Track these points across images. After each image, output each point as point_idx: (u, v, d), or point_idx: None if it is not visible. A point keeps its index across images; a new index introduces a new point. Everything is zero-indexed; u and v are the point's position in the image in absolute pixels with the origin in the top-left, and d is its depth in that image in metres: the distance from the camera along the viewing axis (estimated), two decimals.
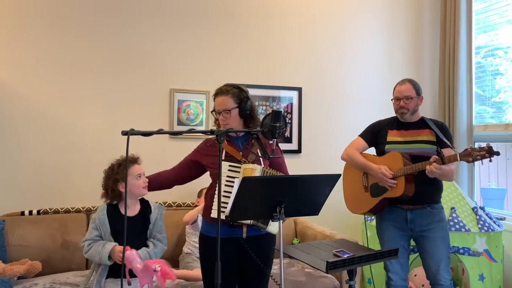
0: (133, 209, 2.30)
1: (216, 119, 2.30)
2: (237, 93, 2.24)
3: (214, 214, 2.11)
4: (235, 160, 2.18)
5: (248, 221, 2.09)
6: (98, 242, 2.22)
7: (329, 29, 4.01)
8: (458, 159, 2.33)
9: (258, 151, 2.25)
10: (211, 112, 2.31)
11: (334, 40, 4.02)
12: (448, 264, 2.55)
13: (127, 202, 2.21)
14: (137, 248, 2.17)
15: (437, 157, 2.37)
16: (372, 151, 2.79)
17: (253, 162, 2.20)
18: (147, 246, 2.28)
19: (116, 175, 2.23)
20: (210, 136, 2.30)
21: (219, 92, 2.25)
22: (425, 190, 2.54)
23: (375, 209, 2.64)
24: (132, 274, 2.07)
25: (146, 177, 2.33)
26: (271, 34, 3.83)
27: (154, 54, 3.50)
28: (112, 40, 3.40)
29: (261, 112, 3.76)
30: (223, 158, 2.19)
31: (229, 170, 2.14)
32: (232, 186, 2.08)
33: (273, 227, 2.14)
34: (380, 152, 2.70)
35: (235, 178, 2.05)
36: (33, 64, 3.23)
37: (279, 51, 3.85)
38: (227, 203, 2.07)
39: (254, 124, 2.27)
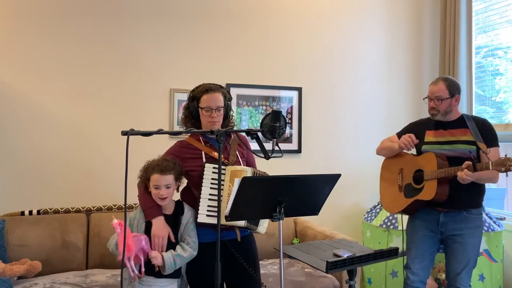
0: (167, 208, 2.17)
1: (186, 119, 2.24)
2: (225, 92, 2.23)
3: (201, 218, 2.05)
4: (217, 162, 2.12)
5: (242, 223, 2.05)
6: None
7: (329, 29, 4.01)
8: (491, 168, 2.19)
9: (237, 152, 2.23)
10: (191, 113, 2.22)
11: (334, 40, 4.03)
12: (472, 270, 2.47)
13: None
14: (167, 249, 2.09)
15: (469, 163, 2.26)
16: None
17: (234, 163, 2.17)
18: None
19: (145, 174, 2.14)
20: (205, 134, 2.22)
21: (212, 89, 2.18)
22: (461, 194, 2.41)
23: (408, 210, 2.55)
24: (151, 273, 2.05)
25: None
26: (271, 34, 3.83)
27: (154, 54, 3.50)
28: (112, 40, 3.40)
29: (261, 112, 3.77)
30: (204, 160, 2.15)
31: (213, 172, 2.09)
32: (217, 189, 2.06)
33: (262, 227, 2.12)
34: (418, 153, 2.62)
35: (222, 181, 2.03)
36: (33, 64, 3.23)
37: (279, 51, 3.86)
38: (216, 206, 2.04)
39: (227, 124, 2.27)
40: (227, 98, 2.24)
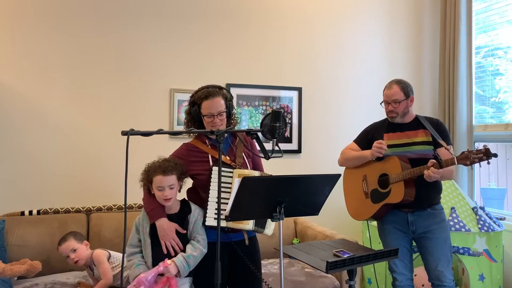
0: (172, 208, 2.15)
1: (189, 123, 2.21)
2: (225, 94, 2.19)
3: (209, 222, 2.04)
4: (225, 165, 2.12)
5: (251, 226, 2.06)
6: (134, 259, 2.10)
7: (329, 29, 4.01)
8: (456, 163, 2.30)
9: (243, 153, 2.21)
10: (193, 118, 2.19)
11: (334, 40, 4.02)
12: (451, 265, 2.55)
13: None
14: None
15: (434, 161, 2.35)
16: None
17: (241, 166, 2.16)
18: (185, 249, 2.12)
19: (147, 176, 2.11)
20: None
21: (212, 94, 2.14)
22: (425, 194, 2.52)
23: (377, 215, 2.62)
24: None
25: None
26: (271, 33, 3.83)
27: (154, 54, 3.50)
28: (112, 40, 3.40)
29: (261, 112, 3.77)
30: (211, 163, 2.13)
31: (221, 175, 2.06)
32: (226, 192, 2.06)
33: (268, 229, 2.12)
34: (379, 157, 2.65)
35: (230, 183, 2.03)
36: (33, 65, 3.23)
37: (279, 51, 3.86)
38: (223, 209, 2.03)
39: (230, 123, 2.24)
40: (228, 99, 2.21)
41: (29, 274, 2.63)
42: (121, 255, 2.72)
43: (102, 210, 3.20)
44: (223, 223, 2.03)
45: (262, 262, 3.17)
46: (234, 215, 1.76)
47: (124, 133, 1.62)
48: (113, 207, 3.24)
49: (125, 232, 1.67)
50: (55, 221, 3.02)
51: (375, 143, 2.56)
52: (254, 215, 1.89)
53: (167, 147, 3.53)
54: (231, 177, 2.07)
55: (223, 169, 2.08)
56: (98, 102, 3.37)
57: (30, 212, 3.08)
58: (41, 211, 3.10)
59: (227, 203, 2.03)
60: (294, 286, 2.83)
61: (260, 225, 2.10)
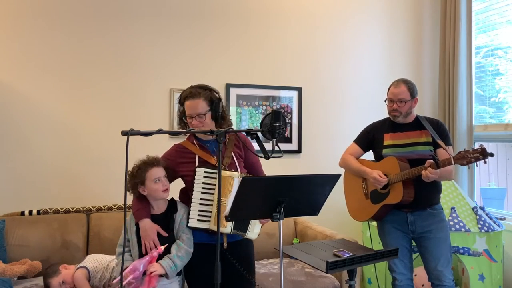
0: (159, 208, 2.19)
1: (180, 121, 2.23)
2: (208, 95, 2.16)
3: (192, 223, 2.06)
4: (210, 166, 2.12)
5: (229, 230, 2.05)
6: (120, 257, 2.12)
7: (329, 29, 4.01)
8: (453, 163, 2.31)
9: (233, 154, 2.20)
10: (181, 117, 2.20)
11: (334, 40, 4.03)
12: (450, 265, 2.55)
13: (152, 202, 2.15)
14: (162, 243, 2.11)
15: (431, 161, 2.36)
16: (369, 155, 2.76)
17: (229, 166, 2.15)
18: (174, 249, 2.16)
19: (135, 178, 2.13)
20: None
21: (190, 95, 2.13)
22: (424, 194, 2.52)
23: (377, 216, 2.63)
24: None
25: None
26: (271, 33, 3.83)
27: (154, 54, 3.50)
28: (112, 40, 3.40)
29: (261, 112, 3.77)
30: (197, 164, 2.13)
31: (205, 176, 2.07)
32: (209, 193, 2.07)
33: (252, 233, 2.11)
34: (378, 157, 2.67)
35: (213, 185, 2.05)
36: (33, 65, 3.23)
37: (279, 51, 3.86)
38: (206, 211, 2.05)
39: (225, 124, 2.22)
40: (214, 101, 2.16)
41: (29, 274, 2.63)
42: (106, 258, 2.73)
43: (102, 210, 3.20)
44: (207, 225, 2.06)
45: (262, 262, 3.18)
46: (234, 215, 1.76)
47: (124, 133, 1.62)
48: (113, 207, 3.24)
49: (124, 232, 1.67)
50: (55, 221, 3.02)
51: (376, 178, 2.53)
52: (254, 215, 1.89)
53: (167, 147, 3.51)
54: (215, 178, 2.06)
55: (207, 170, 2.07)
56: (98, 102, 3.37)
57: (30, 212, 3.08)
58: (41, 211, 3.10)
59: (209, 204, 2.06)
60: (294, 286, 2.83)
61: (241, 228, 2.08)
